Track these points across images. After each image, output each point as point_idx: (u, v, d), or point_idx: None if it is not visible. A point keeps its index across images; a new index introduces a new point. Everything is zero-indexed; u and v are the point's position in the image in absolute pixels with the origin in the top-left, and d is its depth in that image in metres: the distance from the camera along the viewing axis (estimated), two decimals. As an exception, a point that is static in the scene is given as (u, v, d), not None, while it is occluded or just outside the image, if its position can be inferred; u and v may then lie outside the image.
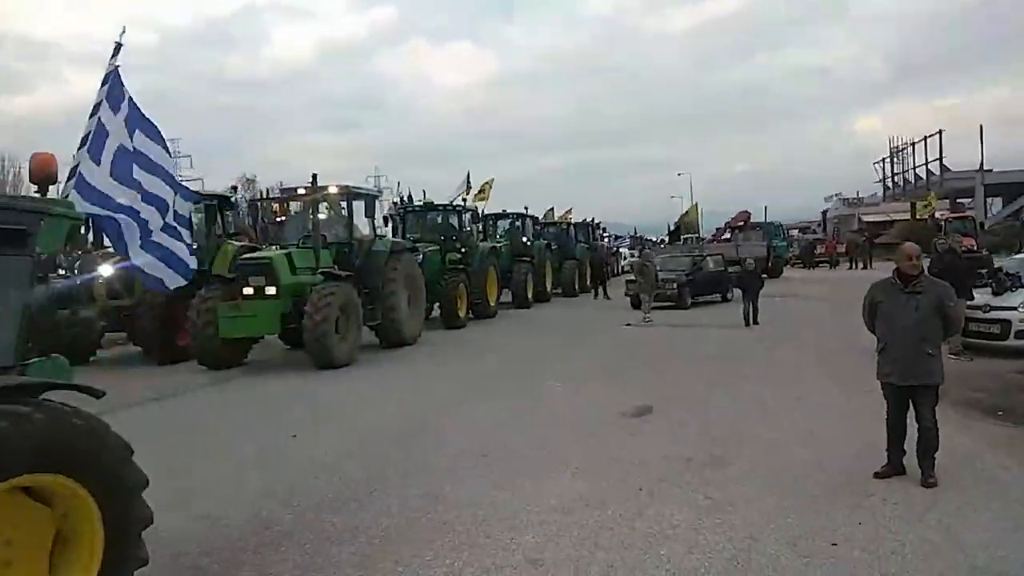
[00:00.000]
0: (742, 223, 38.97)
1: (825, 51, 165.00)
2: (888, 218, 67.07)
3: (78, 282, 14.12)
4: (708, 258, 25.43)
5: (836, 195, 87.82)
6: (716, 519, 5.19)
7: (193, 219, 15.57)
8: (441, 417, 8.83)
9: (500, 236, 26.32)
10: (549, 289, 27.76)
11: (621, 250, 53.20)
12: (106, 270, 14.05)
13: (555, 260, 28.93)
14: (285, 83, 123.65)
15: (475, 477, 6.37)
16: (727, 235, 38.96)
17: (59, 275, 17.00)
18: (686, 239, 35.30)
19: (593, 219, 38.84)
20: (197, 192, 16.08)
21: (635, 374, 11.59)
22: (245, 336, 13.18)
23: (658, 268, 22.91)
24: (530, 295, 24.99)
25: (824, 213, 66.90)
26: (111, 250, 14.92)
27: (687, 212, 35.74)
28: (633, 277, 23.47)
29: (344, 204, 14.98)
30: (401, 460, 6.97)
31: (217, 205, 16.25)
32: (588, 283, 33.25)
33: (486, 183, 25.82)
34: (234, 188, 17.05)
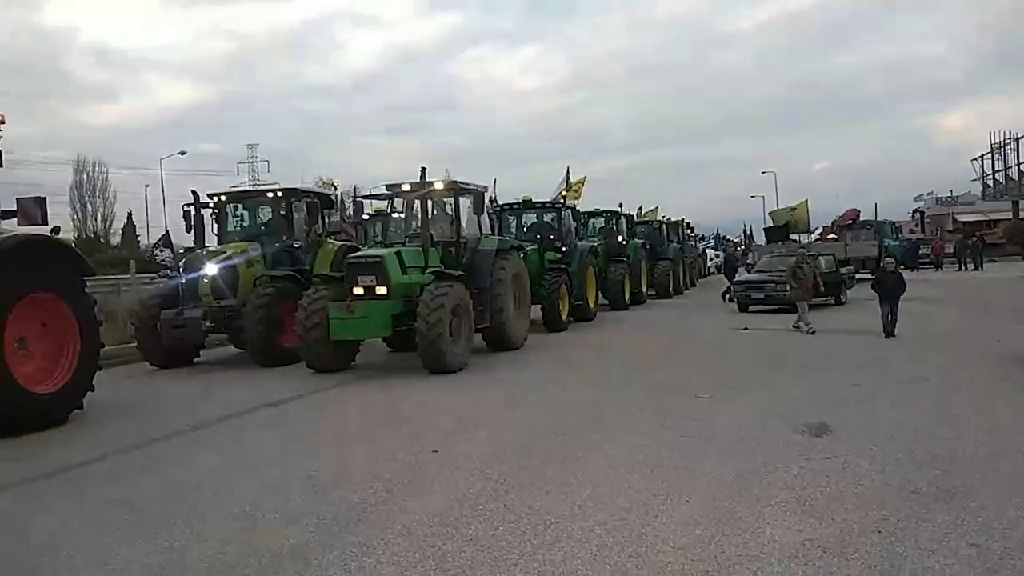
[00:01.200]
0: (851, 221, 36.83)
1: (908, 46, 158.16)
2: (986, 218, 63.37)
3: (183, 281, 13.96)
4: (820, 258, 23.87)
5: (928, 193, 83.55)
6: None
7: (295, 216, 15.34)
8: (584, 430, 7.91)
9: (593, 235, 25.34)
10: (644, 290, 26.71)
11: (706, 251, 51.57)
12: (211, 269, 13.90)
13: (648, 260, 27.87)
14: (352, 88, 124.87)
15: (673, 514, 5.41)
16: (832, 234, 36.85)
17: (167, 275, 16.93)
18: (791, 239, 33.25)
19: (683, 219, 37.45)
20: (297, 188, 15.73)
21: (783, 381, 10.45)
22: (356, 338, 12.56)
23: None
24: (627, 297, 24.02)
25: (920, 213, 63.43)
26: (214, 248, 14.77)
27: (795, 208, 33.60)
28: (759, 278, 21.92)
29: (451, 200, 14.27)
30: (583, 485, 6.07)
31: (318, 202, 15.78)
32: (683, 283, 32.13)
33: (579, 180, 24.90)
34: (334, 186, 16.56)
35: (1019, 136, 67.77)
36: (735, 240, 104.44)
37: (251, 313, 13.36)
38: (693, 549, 4.64)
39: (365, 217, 24.22)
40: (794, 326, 16.58)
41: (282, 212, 15.27)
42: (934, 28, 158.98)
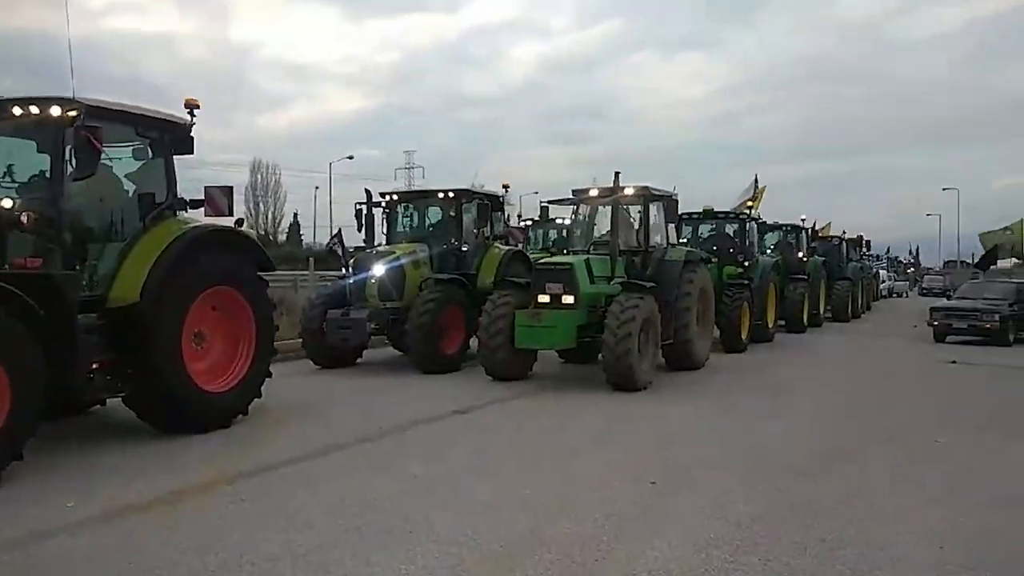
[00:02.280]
0: None
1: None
2: None
3: (351, 281, 13.80)
4: (1037, 285, 21.31)
5: None
6: None
7: (464, 218, 14.92)
8: (833, 474, 6.95)
9: (770, 250, 23.81)
10: (822, 312, 24.89)
11: (879, 271, 47.90)
12: (379, 269, 13.63)
13: (827, 280, 25.97)
14: (512, 97, 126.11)
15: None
16: None
17: (340, 275, 17.01)
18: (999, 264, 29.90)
19: (861, 235, 34.82)
20: (468, 189, 15.31)
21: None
22: (541, 347, 12.09)
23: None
24: (805, 318, 22.36)
25: None
26: (383, 248, 14.40)
27: (1008, 228, 30.08)
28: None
29: (639, 208, 13.55)
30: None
31: (489, 204, 15.31)
32: (860, 306, 29.92)
33: (760, 189, 23.45)
34: (506, 187, 16.08)
35: None
36: (904, 261, 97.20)
37: (415, 317, 12.91)
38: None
39: (528, 223, 24.08)
40: None
41: (452, 213, 14.96)
42: None
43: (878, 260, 54.72)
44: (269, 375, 9.12)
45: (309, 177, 79.27)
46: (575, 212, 14.20)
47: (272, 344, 9.27)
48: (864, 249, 37.64)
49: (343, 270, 15.91)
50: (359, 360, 14.20)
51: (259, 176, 68.63)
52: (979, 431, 9.03)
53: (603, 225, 13.74)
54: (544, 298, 11.85)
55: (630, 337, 11.05)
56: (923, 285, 57.09)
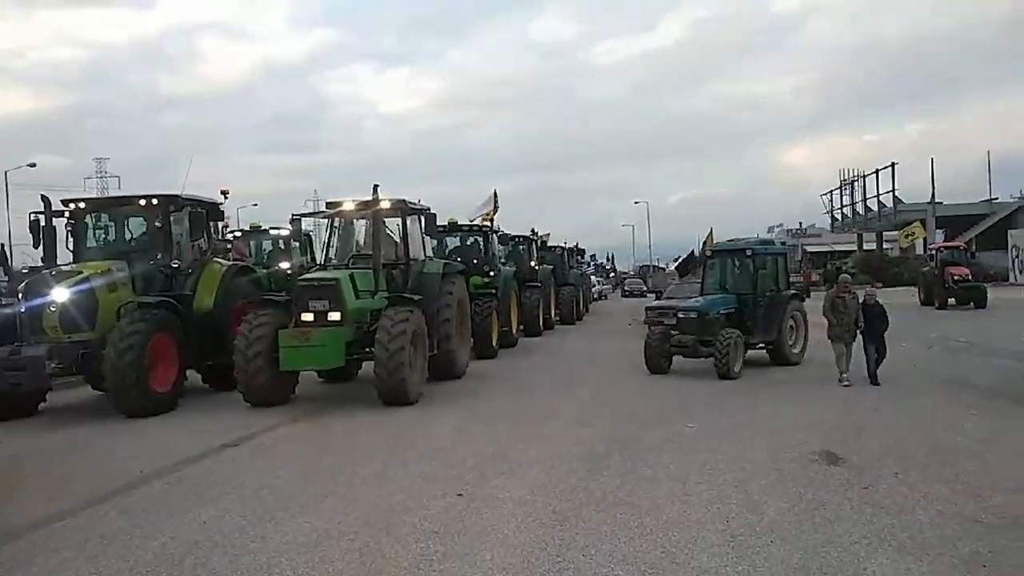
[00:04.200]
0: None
1: (758, 81, 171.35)
2: (830, 249, 68.41)
3: (22, 310, 11.31)
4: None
5: (778, 226, 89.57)
6: None
7: (174, 230, 12.84)
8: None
9: (503, 261, 24.99)
10: (552, 316, 26.72)
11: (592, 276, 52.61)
12: (60, 294, 11.25)
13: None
14: (222, 102, 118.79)
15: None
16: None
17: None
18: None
19: (576, 243, 38.07)
20: (177, 195, 13.01)
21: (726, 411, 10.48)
22: (309, 369, 11.55)
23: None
24: (540, 322, 23.88)
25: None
26: (67, 268, 12.06)
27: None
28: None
29: (397, 221, 13.52)
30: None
31: (205, 213, 13.54)
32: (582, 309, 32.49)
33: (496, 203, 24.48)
34: (224, 193, 14.31)
35: (865, 173, 74.06)
36: (607, 267, 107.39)
37: (114, 351, 10.76)
38: None
39: (237, 234, 21.29)
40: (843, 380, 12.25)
41: (158, 224, 12.74)
42: (783, 67, 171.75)
43: (588, 266, 60.08)
44: None
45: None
46: (329, 225, 13.75)
47: None
48: (580, 257, 41.17)
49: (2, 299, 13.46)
50: (41, 406, 11.84)
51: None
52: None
53: (361, 238, 13.52)
54: (308, 316, 11.37)
55: (403, 351, 11.00)
56: (625, 288, 63.82)
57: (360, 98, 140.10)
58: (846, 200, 79.67)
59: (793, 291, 16.09)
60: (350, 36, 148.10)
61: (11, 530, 5.94)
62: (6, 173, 54.46)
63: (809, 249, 68.40)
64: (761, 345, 14.88)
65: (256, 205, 61.99)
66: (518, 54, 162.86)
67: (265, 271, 16.33)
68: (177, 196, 13.01)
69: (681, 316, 14.50)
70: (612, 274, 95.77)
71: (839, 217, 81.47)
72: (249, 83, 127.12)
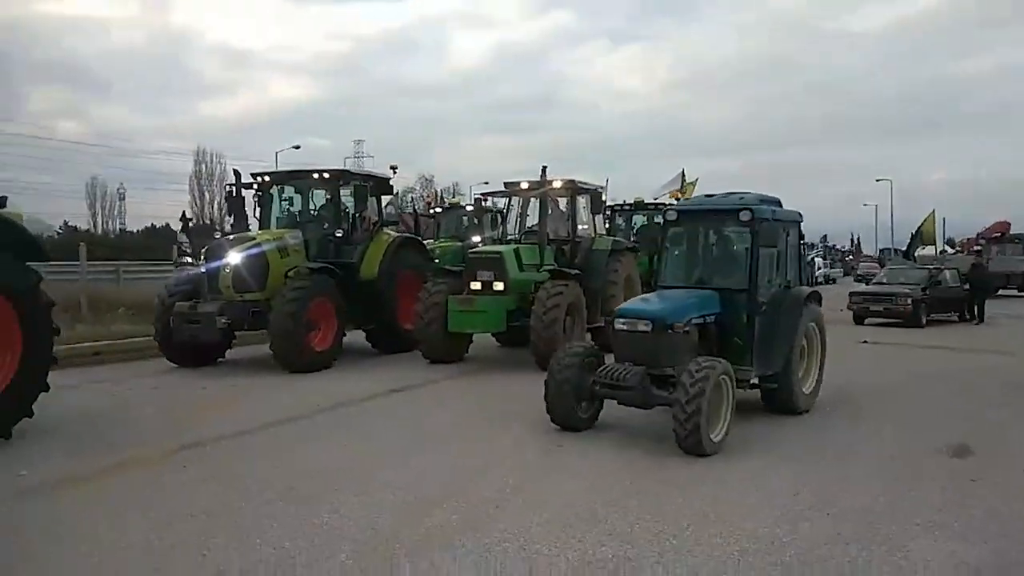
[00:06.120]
0: (999, 234, 34.62)
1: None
2: None
3: (203, 271, 12.61)
4: (945, 271, 22.83)
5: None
6: None
7: (339, 200, 13.97)
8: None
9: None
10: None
11: (815, 259, 49.81)
12: (233, 258, 12.28)
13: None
14: (459, 89, 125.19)
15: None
16: (977, 247, 34.24)
17: (185, 263, 15.58)
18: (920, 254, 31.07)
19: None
20: (346, 170, 14.51)
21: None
22: (472, 331, 12.83)
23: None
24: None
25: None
26: (240, 234, 13.20)
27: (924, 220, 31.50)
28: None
29: (567, 199, 14.33)
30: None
31: (368, 187, 14.43)
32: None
33: (690, 183, 24.48)
34: (393, 168, 15.80)
35: None
36: (843, 249, 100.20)
37: (278, 309, 11.66)
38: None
39: (438, 210, 22.89)
40: None
41: (329, 196, 13.97)
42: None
43: (813, 248, 56.75)
44: (45, 389, 7.67)
45: (254, 166, 78.29)
46: (507, 204, 14.90)
47: (49, 351, 7.77)
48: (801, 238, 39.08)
49: (188, 260, 15.03)
50: (221, 359, 12.88)
51: (203, 166, 68.14)
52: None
53: (535, 216, 14.50)
54: (476, 285, 12.61)
55: (556, 322, 11.88)
56: (859, 272, 59.33)
57: (590, 77, 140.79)
58: None
59: (811, 288, 9.93)
60: (582, 16, 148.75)
61: (200, 440, 7.66)
62: (276, 154, 62.71)
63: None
64: (755, 381, 8.57)
65: (487, 183, 65.76)
66: (753, 28, 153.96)
67: (460, 244, 18.00)
68: (345, 170, 14.56)
69: (621, 328, 7.94)
70: (849, 257, 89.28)
71: None
72: (486, 67, 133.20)
